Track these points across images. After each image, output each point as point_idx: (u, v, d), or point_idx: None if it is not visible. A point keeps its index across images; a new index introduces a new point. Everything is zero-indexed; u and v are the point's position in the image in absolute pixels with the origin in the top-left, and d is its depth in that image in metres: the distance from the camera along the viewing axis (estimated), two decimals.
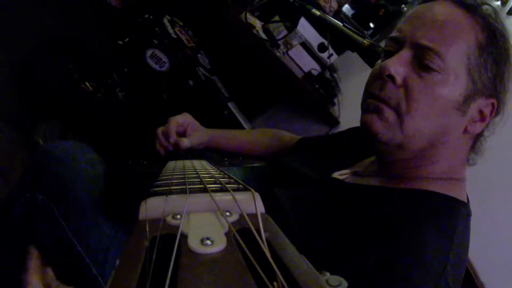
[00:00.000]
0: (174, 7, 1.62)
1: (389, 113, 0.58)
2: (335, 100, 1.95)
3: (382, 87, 0.58)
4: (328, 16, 0.82)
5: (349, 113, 1.93)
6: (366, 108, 0.61)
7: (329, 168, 0.75)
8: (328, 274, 0.15)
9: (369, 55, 0.65)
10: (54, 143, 0.78)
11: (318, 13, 0.82)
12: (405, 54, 0.58)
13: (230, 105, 1.70)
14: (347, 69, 2.10)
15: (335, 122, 1.94)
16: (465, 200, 0.60)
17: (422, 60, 0.56)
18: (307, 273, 0.14)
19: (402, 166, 0.63)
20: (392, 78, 0.57)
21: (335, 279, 0.15)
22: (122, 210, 0.65)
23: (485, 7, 0.58)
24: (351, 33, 0.78)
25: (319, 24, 0.83)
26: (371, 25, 2.35)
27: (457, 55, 0.55)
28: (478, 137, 0.62)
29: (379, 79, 0.59)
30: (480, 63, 0.56)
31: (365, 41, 0.75)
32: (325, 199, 0.66)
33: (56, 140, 1.38)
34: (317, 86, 1.87)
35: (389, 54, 0.61)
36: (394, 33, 0.62)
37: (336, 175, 0.72)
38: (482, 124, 0.59)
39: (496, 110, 0.58)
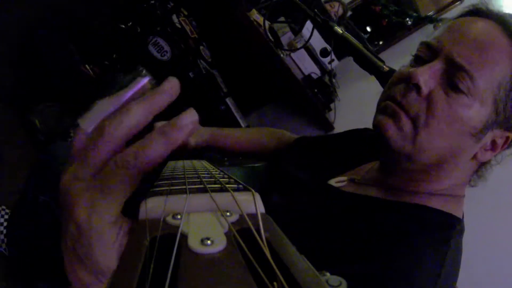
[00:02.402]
0: None
1: (406, 122, 0.56)
2: (332, 106, 1.95)
3: (405, 93, 0.57)
4: (350, 35, 0.83)
5: (344, 120, 1.93)
6: (383, 109, 0.60)
7: (326, 173, 0.73)
8: (328, 274, 0.15)
9: (387, 81, 0.64)
10: (57, 144, 0.78)
11: (340, 31, 0.83)
12: (437, 66, 0.56)
13: (228, 100, 1.69)
14: (346, 75, 2.09)
15: (329, 127, 1.94)
16: (460, 217, 0.59)
17: (453, 78, 0.54)
18: (307, 273, 0.14)
19: (404, 178, 0.62)
20: (418, 87, 0.55)
21: (335, 279, 0.15)
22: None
23: None
24: (372, 56, 0.78)
25: (340, 42, 0.83)
26: (368, 29, 2.35)
27: (489, 83, 0.53)
28: (484, 164, 0.61)
29: (404, 83, 0.57)
30: (508, 96, 0.54)
31: (385, 67, 0.76)
32: (320, 207, 0.65)
33: (53, 122, 1.35)
34: (316, 90, 1.87)
35: (419, 60, 0.59)
36: (430, 39, 0.59)
37: (333, 182, 0.70)
38: (492, 153, 0.58)
39: (509, 144, 0.58)
